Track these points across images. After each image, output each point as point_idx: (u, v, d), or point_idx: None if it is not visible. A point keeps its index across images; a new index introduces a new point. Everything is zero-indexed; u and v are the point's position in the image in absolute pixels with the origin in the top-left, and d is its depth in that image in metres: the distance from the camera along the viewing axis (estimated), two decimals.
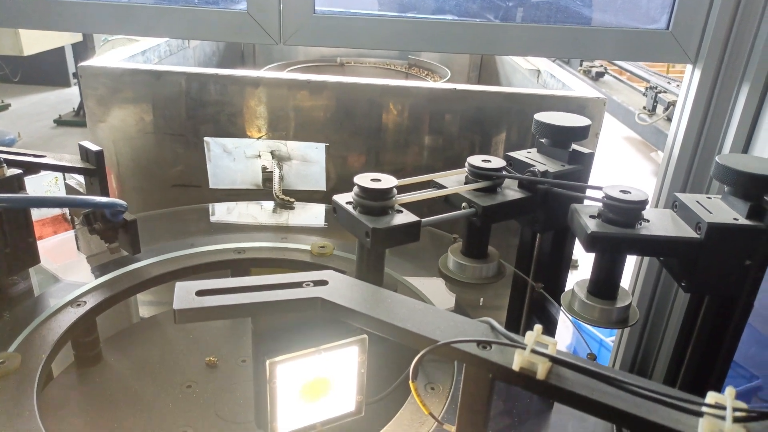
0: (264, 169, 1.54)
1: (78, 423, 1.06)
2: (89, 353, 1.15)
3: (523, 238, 1.24)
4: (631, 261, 1.51)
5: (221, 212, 1.53)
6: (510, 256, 1.24)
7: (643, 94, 4.73)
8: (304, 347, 0.76)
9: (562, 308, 1.04)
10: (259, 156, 1.50)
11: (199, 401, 1.06)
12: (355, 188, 0.93)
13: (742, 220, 0.92)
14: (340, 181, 1.56)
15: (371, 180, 0.93)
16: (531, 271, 1.24)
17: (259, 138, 1.49)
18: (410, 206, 0.95)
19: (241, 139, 1.49)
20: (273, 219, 1.51)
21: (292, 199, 1.41)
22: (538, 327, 0.67)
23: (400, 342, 0.72)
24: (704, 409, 0.58)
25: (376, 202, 0.91)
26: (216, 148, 1.49)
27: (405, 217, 0.92)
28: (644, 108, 4.49)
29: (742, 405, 0.58)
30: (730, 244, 0.91)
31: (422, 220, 0.93)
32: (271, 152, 1.50)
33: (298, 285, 0.79)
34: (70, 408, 1.09)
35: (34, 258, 1.07)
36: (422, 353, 0.70)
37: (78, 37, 5.75)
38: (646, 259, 1.41)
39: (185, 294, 0.74)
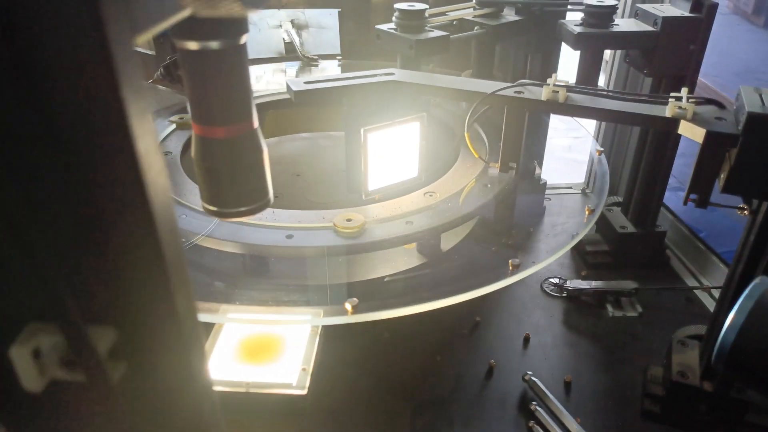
0: (283, 40, 1.75)
1: None
2: None
3: (516, 64, 1.52)
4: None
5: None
6: None
7: None
8: (383, 122, 1.04)
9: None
10: (281, 26, 1.71)
11: (296, 198, 1.34)
12: (397, 13, 1.18)
13: (687, 14, 1.23)
14: (351, 45, 1.79)
15: (408, 5, 1.18)
16: None
17: (281, 8, 1.70)
18: None
19: (263, 10, 1.69)
20: None
21: (315, 57, 1.65)
22: (555, 74, 0.97)
23: (460, 100, 1.01)
24: (670, 100, 0.89)
25: (415, 21, 1.17)
26: None
27: (437, 33, 1.19)
28: None
29: (694, 95, 0.90)
30: (678, 33, 1.22)
31: (450, 35, 1.20)
32: (291, 21, 1.71)
33: (373, 76, 1.05)
34: None
35: None
36: (476, 104, 0.99)
37: None
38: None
39: (296, 84, 1.00)
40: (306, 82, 1.00)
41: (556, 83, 0.94)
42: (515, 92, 0.97)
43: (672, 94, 0.90)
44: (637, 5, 1.30)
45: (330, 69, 1.76)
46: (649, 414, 1.10)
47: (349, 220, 1.02)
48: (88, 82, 0.26)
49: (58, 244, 0.28)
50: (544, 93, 0.93)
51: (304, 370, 0.86)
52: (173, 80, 1.30)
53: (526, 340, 1.26)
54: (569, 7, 1.32)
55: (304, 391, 0.80)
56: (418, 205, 1.06)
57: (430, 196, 1.09)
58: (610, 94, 0.93)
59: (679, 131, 0.87)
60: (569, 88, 0.94)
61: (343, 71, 1.73)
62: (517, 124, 0.98)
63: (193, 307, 0.34)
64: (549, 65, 1.47)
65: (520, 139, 1.00)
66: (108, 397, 0.29)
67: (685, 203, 0.93)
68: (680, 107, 0.87)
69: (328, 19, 1.72)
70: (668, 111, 0.88)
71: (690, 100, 0.88)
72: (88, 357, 0.28)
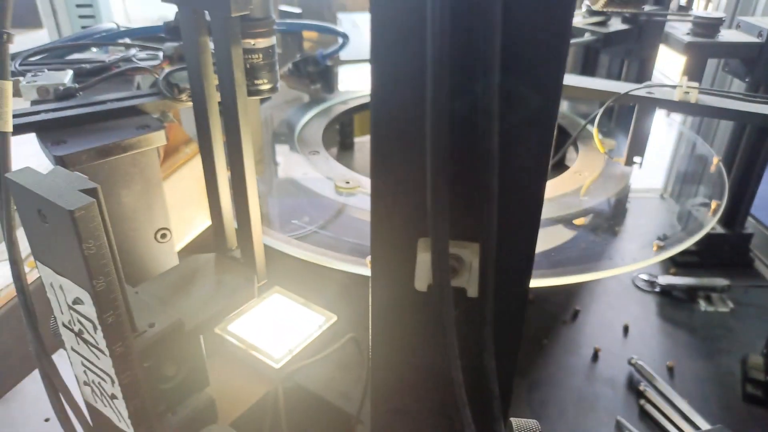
0: None
1: None
2: None
3: (611, 69, 1.61)
4: None
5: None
6: None
7: None
8: None
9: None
10: None
11: None
12: None
13: None
14: None
15: None
16: None
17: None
18: None
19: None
20: None
21: None
22: (684, 77, 1.06)
23: (592, 98, 1.10)
24: None
25: None
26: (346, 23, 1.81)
27: None
28: None
29: None
30: None
31: None
32: None
33: None
34: None
35: None
36: (608, 102, 1.08)
37: None
38: None
39: None
40: None
41: (688, 84, 1.02)
42: (647, 92, 1.06)
43: None
44: (739, 18, 1.38)
45: None
46: (751, 398, 1.17)
47: (347, 182, 1.17)
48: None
49: None
50: (677, 94, 1.02)
51: None
52: (301, 76, 1.41)
53: (626, 328, 1.33)
54: (679, 17, 1.40)
55: None
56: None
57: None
58: (742, 94, 1.01)
59: None
60: (702, 90, 1.02)
61: None
62: (646, 119, 1.07)
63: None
64: (645, 71, 1.55)
65: (647, 136, 1.08)
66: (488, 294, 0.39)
67: None
68: None
69: None
70: None
71: None
72: (488, 265, 0.38)
